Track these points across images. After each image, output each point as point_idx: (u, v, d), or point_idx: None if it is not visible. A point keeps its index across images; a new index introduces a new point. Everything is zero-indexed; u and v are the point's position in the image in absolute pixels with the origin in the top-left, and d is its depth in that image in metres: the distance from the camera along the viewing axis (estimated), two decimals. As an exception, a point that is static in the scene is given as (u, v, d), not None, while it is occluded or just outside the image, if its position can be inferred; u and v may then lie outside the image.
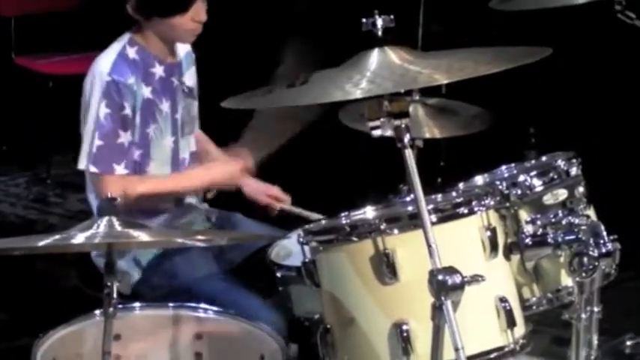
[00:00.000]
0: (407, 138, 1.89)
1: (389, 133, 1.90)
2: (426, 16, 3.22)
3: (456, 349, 1.81)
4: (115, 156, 2.68)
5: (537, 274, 2.32)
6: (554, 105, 4.13)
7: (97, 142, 2.66)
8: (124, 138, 2.69)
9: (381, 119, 1.89)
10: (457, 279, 1.84)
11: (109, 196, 2.57)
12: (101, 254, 2.69)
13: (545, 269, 2.33)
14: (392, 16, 1.92)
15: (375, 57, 1.95)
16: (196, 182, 2.84)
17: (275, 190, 3.02)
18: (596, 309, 2.27)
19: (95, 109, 2.66)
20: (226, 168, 2.85)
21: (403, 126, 1.89)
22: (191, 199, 2.90)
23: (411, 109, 3.05)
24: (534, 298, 2.33)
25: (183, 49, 2.88)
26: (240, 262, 2.89)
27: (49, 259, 3.81)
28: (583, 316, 2.24)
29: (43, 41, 4.83)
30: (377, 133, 1.90)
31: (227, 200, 3.00)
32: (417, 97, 3.12)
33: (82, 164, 2.70)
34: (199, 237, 2.26)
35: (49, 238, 1.89)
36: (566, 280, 2.32)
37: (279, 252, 2.67)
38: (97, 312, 2.33)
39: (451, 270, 1.86)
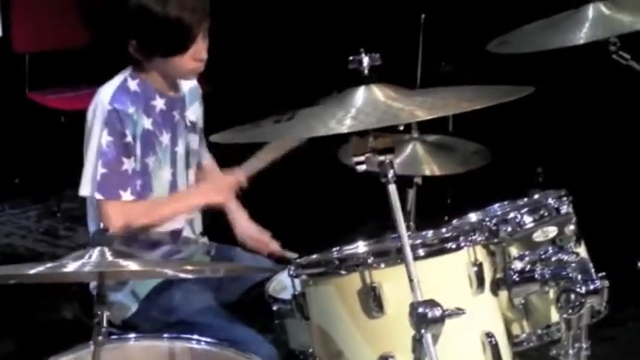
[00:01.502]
0: (391, 173, 1.92)
1: (374, 168, 1.93)
2: (425, 56, 3.27)
3: (436, 382, 1.83)
4: (120, 183, 2.71)
5: (527, 310, 2.34)
6: (558, 144, 4.16)
7: (101, 170, 2.69)
8: (128, 165, 2.72)
9: (366, 155, 1.92)
10: (437, 312, 1.87)
11: (113, 223, 2.67)
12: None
13: (534, 305, 2.34)
14: (378, 55, 1.96)
15: (360, 94, 1.99)
16: (192, 202, 2.86)
17: (263, 237, 3.03)
18: (584, 345, 2.28)
19: (97, 137, 2.70)
20: (217, 185, 2.87)
21: (387, 161, 1.92)
22: (189, 234, 2.93)
23: (410, 146, 3.17)
24: (524, 334, 2.34)
25: (188, 84, 2.93)
26: (238, 296, 2.92)
27: (51, 290, 3.88)
28: (570, 352, 2.25)
29: (55, 77, 4.91)
30: (362, 168, 1.94)
31: (225, 234, 3.04)
32: (416, 135, 3.16)
33: (86, 191, 2.72)
34: (189, 267, 2.29)
35: (41, 267, 1.92)
36: (556, 317, 2.32)
37: (275, 286, 2.70)
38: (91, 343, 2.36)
39: (432, 303, 1.89)
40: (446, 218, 3.60)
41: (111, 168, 2.70)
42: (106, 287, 2.05)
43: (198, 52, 2.75)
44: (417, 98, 2.01)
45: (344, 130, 1.86)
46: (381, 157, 1.92)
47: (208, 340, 2.50)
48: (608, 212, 3.93)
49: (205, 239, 3.01)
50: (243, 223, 3.05)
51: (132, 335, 2.56)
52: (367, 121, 1.89)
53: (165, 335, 2.53)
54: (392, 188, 1.92)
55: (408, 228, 2.48)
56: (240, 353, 2.46)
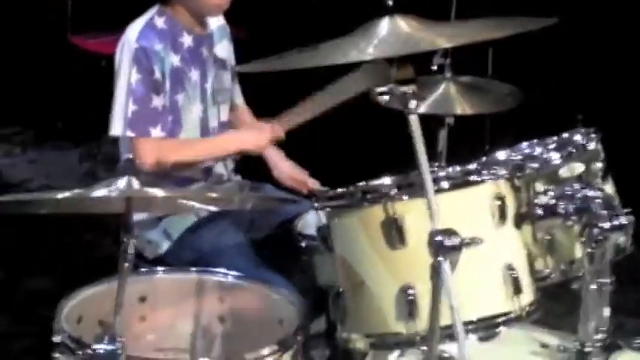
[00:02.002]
0: (412, 104, 1.93)
1: (396, 100, 1.94)
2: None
3: (451, 308, 1.86)
4: (150, 119, 2.74)
5: (551, 245, 2.33)
6: (596, 87, 4.13)
7: (132, 107, 2.72)
8: (157, 102, 2.76)
9: (388, 86, 1.93)
10: (455, 240, 1.89)
11: (145, 160, 2.70)
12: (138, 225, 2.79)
13: (559, 241, 2.34)
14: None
15: (384, 25, 2.00)
16: (228, 148, 2.88)
17: (303, 176, 3.05)
18: (607, 281, 2.29)
19: (126, 75, 2.73)
20: (256, 134, 2.88)
21: (410, 92, 1.93)
22: (221, 171, 2.96)
23: (442, 86, 3.17)
24: (548, 269, 2.34)
25: (216, 22, 2.94)
26: (267, 232, 2.96)
27: (94, 228, 3.97)
28: (592, 287, 2.26)
29: (97, 22, 4.95)
30: (383, 99, 1.95)
31: (258, 172, 3.06)
32: (449, 75, 3.16)
33: (118, 130, 2.76)
34: (216, 197, 2.32)
35: (68, 192, 1.96)
36: (580, 253, 2.33)
37: (304, 223, 2.73)
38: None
39: (450, 232, 1.90)
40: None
41: (141, 105, 2.73)
42: (132, 217, 2.07)
43: None
44: (439, 29, 2.01)
45: (364, 58, 1.87)
46: (404, 88, 1.93)
47: (235, 273, 2.55)
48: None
49: (238, 177, 3.05)
50: (280, 163, 3.07)
51: (160, 268, 2.62)
52: (388, 50, 1.90)
53: (194, 268, 2.58)
54: (413, 118, 1.93)
55: (438, 165, 2.50)
56: (267, 287, 2.51)
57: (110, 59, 4.45)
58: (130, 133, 2.74)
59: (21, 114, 5.23)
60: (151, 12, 2.82)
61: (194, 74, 2.84)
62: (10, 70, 5.02)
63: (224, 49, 2.96)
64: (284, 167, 3.07)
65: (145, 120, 2.74)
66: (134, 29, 2.78)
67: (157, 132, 2.75)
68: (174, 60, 2.79)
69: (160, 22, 2.80)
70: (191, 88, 2.84)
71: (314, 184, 3.03)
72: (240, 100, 3.11)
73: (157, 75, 2.75)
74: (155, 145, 2.75)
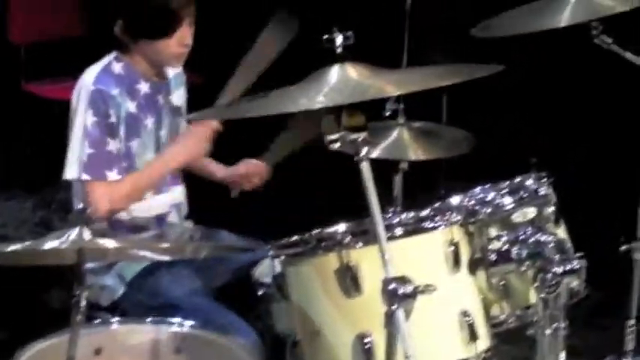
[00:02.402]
0: (363, 152, 1.94)
1: (347, 147, 1.95)
2: (411, 40, 3.30)
3: (406, 357, 1.85)
4: (106, 163, 2.72)
5: (506, 291, 2.36)
6: (546, 131, 4.19)
7: (88, 151, 2.70)
8: (113, 146, 2.74)
9: (339, 133, 1.94)
10: (409, 288, 1.89)
11: (99, 205, 2.68)
12: (91, 272, 2.76)
13: (514, 287, 2.36)
14: (351, 33, 1.98)
15: (334, 73, 2.01)
16: (175, 161, 2.84)
17: (252, 163, 3.02)
18: (562, 325, 2.30)
19: (82, 118, 2.72)
20: (195, 137, 2.83)
21: (360, 139, 1.94)
22: (174, 218, 2.94)
23: (396, 132, 3.19)
24: (503, 315, 2.36)
25: (173, 69, 2.95)
26: (224, 280, 2.94)
27: (40, 279, 3.91)
28: (547, 331, 2.27)
29: (51, 68, 4.93)
30: (335, 146, 1.95)
31: (211, 218, 3.05)
32: (402, 121, 3.18)
33: (73, 173, 2.73)
34: (168, 247, 2.31)
35: (19, 245, 1.94)
36: (535, 298, 2.35)
37: (262, 271, 2.72)
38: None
39: (403, 279, 1.90)
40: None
41: (97, 148, 2.71)
42: (85, 267, 2.05)
43: (183, 38, 2.78)
44: (389, 76, 2.03)
45: (313, 106, 1.88)
46: (354, 136, 1.93)
47: (191, 323, 2.52)
48: (596, 196, 3.95)
49: (191, 223, 3.03)
50: (215, 166, 3.05)
51: (115, 319, 2.58)
52: (337, 98, 1.91)
53: (149, 319, 2.55)
54: (365, 166, 1.94)
55: (394, 210, 2.51)
56: (224, 336, 2.48)
57: (63, 105, 4.44)
58: (85, 177, 2.72)
59: (-27, 162, 5.17)
60: (109, 58, 2.82)
61: (149, 121, 2.84)
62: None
63: (180, 96, 2.97)
64: (226, 168, 3.05)
65: (101, 163, 2.72)
66: (91, 73, 2.77)
67: (113, 175, 2.73)
68: (130, 106, 2.79)
69: (117, 68, 2.80)
70: (146, 135, 2.83)
71: (258, 163, 3.01)
72: None
73: (113, 119, 2.74)
74: (108, 188, 2.73)
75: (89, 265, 2.71)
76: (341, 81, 1.98)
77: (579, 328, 3.62)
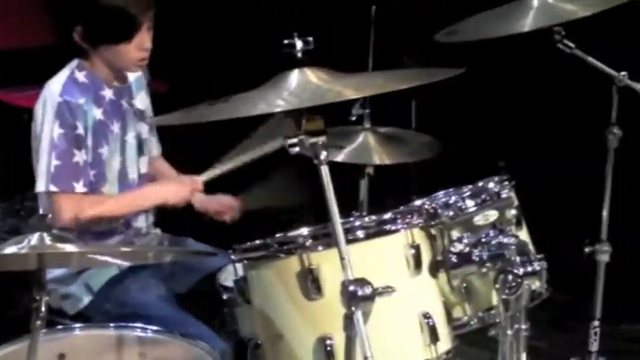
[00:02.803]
0: (323, 155, 1.95)
1: (306, 151, 1.96)
2: (376, 46, 3.32)
3: (365, 358, 1.86)
4: (73, 174, 2.72)
5: (468, 293, 2.37)
6: (511, 134, 4.22)
7: (55, 162, 2.70)
8: (79, 157, 2.74)
9: (299, 137, 1.95)
10: (367, 290, 1.90)
11: (64, 215, 2.67)
12: (55, 281, 2.76)
13: (476, 288, 2.37)
14: (311, 39, 2.00)
15: (294, 77, 2.02)
16: (150, 200, 2.87)
17: (226, 199, 3.03)
18: (523, 327, 2.31)
19: (49, 130, 2.71)
20: (176, 187, 2.87)
21: (320, 143, 1.95)
22: (141, 224, 2.94)
23: (361, 136, 3.21)
24: (465, 317, 2.37)
25: (133, 74, 2.95)
26: (189, 287, 2.94)
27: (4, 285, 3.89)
28: (509, 332, 2.28)
29: (19, 76, 4.91)
30: (294, 150, 1.96)
31: (178, 225, 3.05)
32: (368, 126, 3.20)
33: (42, 186, 2.73)
34: (129, 251, 2.30)
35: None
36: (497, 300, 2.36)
37: (227, 275, 2.72)
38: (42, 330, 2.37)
39: (362, 281, 1.91)
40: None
41: (64, 160, 2.71)
42: (45, 272, 2.05)
43: (142, 42, 2.78)
44: (348, 80, 2.04)
45: (273, 110, 1.89)
46: (313, 139, 1.95)
47: (155, 328, 2.52)
48: (560, 199, 3.99)
49: (158, 230, 3.03)
50: (199, 197, 3.02)
51: (78, 325, 2.57)
52: (295, 102, 1.92)
53: (112, 324, 2.55)
54: (324, 170, 1.95)
55: (358, 215, 2.52)
56: (188, 341, 2.48)
57: (31, 113, 4.40)
58: (53, 188, 2.72)
59: (-60, 170, 5.14)
60: (71, 66, 2.82)
61: (115, 127, 2.84)
62: None
63: (142, 100, 2.97)
64: (204, 199, 3.03)
65: (68, 175, 2.72)
66: (56, 83, 2.77)
67: (79, 187, 2.73)
68: (97, 113, 2.79)
69: (80, 76, 2.80)
70: (113, 140, 2.83)
71: (230, 200, 3.01)
72: (157, 151, 3.11)
73: (80, 130, 2.74)
74: (75, 200, 2.73)
75: (55, 274, 2.76)
76: (300, 85, 1.99)
77: (544, 330, 3.68)
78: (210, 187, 2.95)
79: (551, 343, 3.71)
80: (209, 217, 3.04)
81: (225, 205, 3.03)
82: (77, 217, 2.71)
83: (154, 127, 3.02)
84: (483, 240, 2.35)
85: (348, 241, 2.02)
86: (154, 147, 3.09)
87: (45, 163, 2.72)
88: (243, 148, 2.85)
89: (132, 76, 2.93)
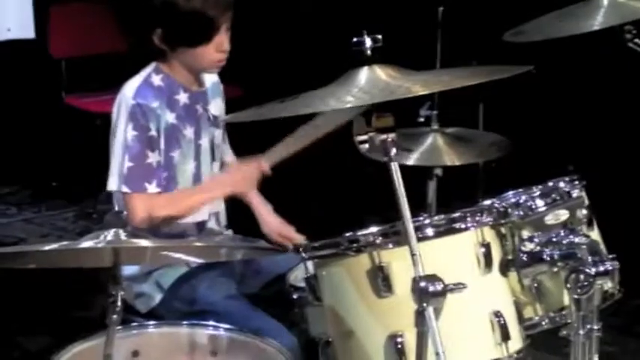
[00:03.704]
0: (393, 152, 1.96)
1: (376, 148, 1.97)
2: (444, 47, 3.32)
3: (437, 354, 1.86)
4: (146, 175, 2.76)
5: (540, 293, 2.35)
6: (581, 136, 4.18)
7: (127, 164, 2.74)
8: (152, 158, 2.77)
9: (368, 134, 1.96)
10: (438, 286, 1.90)
11: (138, 216, 2.71)
12: (128, 280, 2.80)
13: (547, 288, 2.35)
14: (379, 36, 2.01)
15: (363, 74, 2.04)
16: (218, 192, 2.87)
17: (288, 232, 3.05)
18: (595, 327, 2.29)
19: (122, 132, 2.76)
20: (242, 174, 2.86)
21: (389, 140, 1.96)
22: (213, 226, 2.98)
23: (430, 138, 3.22)
24: (537, 317, 2.35)
25: (210, 79, 2.98)
26: (259, 289, 2.96)
27: (83, 285, 3.97)
28: (580, 332, 2.26)
29: (91, 81, 5.02)
30: (364, 147, 1.98)
31: (250, 227, 3.08)
32: (436, 127, 3.20)
33: (113, 185, 2.77)
34: (203, 247, 2.33)
35: (56, 244, 1.98)
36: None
37: (297, 276, 2.74)
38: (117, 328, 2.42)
39: (433, 278, 1.92)
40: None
41: (137, 161, 2.75)
42: (120, 268, 2.09)
43: (221, 44, 2.80)
44: (416, 77, 2.05)
45: (342, 106, 1.91)
46: (383, 136, 1.96)
47: (227, 326, 2.55)
48: (632, 200, 3.93)
49: (230, 232, 3.06)
50: (267, 218, 3.08)
51: (151, 322, 2.62)
52: (365, 98, 1.93)
53: (185, 322, 2.59)
54: (394, 166, 1.96)
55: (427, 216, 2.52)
56: (259, 339, 2.50)
57: (104, 118, 4.50)
58: (125, 189, 2.76)
59: (17, 174, 5.27)
60: (148, 69, 2.85)
61: (189, 131, 2.87)
62: (5, 130, 5.07)
63: (217, 106, 2.99)
64: (272, 223, 3.07)
65: (141, 176, 2.76)
66: (131, 86, 2.80)
67: (152, 188, 2.77)
68: (170, 117, 2.82)
69: (156, 80, 2.83)
70: (186, 145, 2.86)
71: (300, 239, 3.02)
72: (229, 157, 3.13)
73: (153, 132, 2.77)
74: (147, 200, 2.77)
75: (127, 272, 2.80)
76: (369, 82, 2.01)
77: (615, 335, 3.63)
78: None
79: (623, 349, 3.67)
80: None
81: (286, 239, 3.02)
82: (150, 217, 2.75)
83: (226, 133, 3.05)
84: (554, 239, 2.33)
85: (418, 239, 2.03)
86: (227, 153, 3.11)
87: (118, 163, 2.77)
88: (306, 128, 2.77)
89: (208, 82, 2.96)
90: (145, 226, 2.74)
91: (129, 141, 2.75)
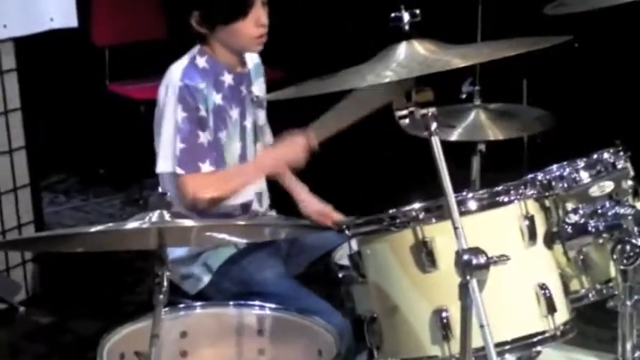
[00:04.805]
0: (433, 126, 1.96)
1: (417, 123, 1.97)
2: (484, 21, 3.30)
3: (481, 326, 1.86)
4: (199, 155, 2.77)
5: (586, 265, 2.33)
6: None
7: (180, 146, 2.75)
8: (204, 138, 2.78)
9: (409, 109, 1.96)
10: (482, 259, 1.90)
11: (193, 196, 2.70)
12: (175, 262, 2.83)
13: (593, 260, 2.33)
14: (417, 11, 2.01)
15: (402, 49, 2.04)
16: (267, 166, 2.89)
17: (328, 210, 3.05)
18: (643, 298, 2.27)
19: (172, 114, 2.76)
20: (291, 148, 2.84)
21: (430, 114, 1.96)
22: (257, 207, 2.99)
23: (472, 114, 3.20)
24: (583, 290, 2.33)
25: (252, 60, 2.99)
26: (305, 267, 2.98)
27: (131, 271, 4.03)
28: (628, 303, 2.24)
29: (134, 69, 5.05)
30: (405, 122, 1.98)
31: (293, 208, 3.09)
32: (478, 103, 3.18)
33: (165, 167, 2.77)
34: (247, 225, 2.35)
35: (102, 226, 2.01)
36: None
37: (342, 254, 2.75)
38: (164, 310, 2.45)
39: (476, 250, 1.91)
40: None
41: (188, 142, 2.76)
42: (165, 249, 2.11)
43: (258, 18, 2.81)
44: (456, 51, 2.05)
45: (381, 81, 1.91)
46: (423, 111, 1.96)
47: (273, 306, 2.58)
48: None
49: (273, 212, 3.08)
50: (305, 198, 3.09)
51: (199, 303, 2.65)
52: (403, 73, 1.93)
53: (232, 303, 2.61)
54: (435, 140, 1.96)
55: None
56: (306, 318, 2.53)
57: (148, 104, 4.53)
58: (179, 171, 2.76)
59: (64, 162, 5.33)
60: (193, 52, 2.87)
61: (234, 112, 2.88)
62: (52, 119, 5.12)
63: (259, 87, 3.00)
64: (310, 202, 3.09)
65: (194, 156, 2.77)
66: (177, 69, 2.82)
67: (206, 167, 2.78)
68: (217, 98, 2.83)
69: (201, 62, 2.85)
70: (232, 125, 2.87)
71: (340, 217, 3.02)
72: (270, 138, 3.14)
73: (202, 112, 2.78)
74: (200, 180, 2.77)
75: (175, 255, 2.83)
76: (408, 56, 2.01)
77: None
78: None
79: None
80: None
81: (324, 217, 3.02)
82: (203, 197, 2.74)
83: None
84: (599, 211, 2.31)
85: (461, 213, 2.02)
86: (268, 134, 3.12)
87: (170, 145, 2.77)
88: (347, 102, 2.75)
89: (250, 63, 2.98)
90: (199, 206, 2.75)
91: (179, 122, 2.76)
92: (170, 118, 2.77)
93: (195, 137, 2.77)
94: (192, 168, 2.77)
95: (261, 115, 3.02)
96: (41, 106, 4.87)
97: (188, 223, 2.04)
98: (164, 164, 2.79)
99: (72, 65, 5.14)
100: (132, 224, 2.00)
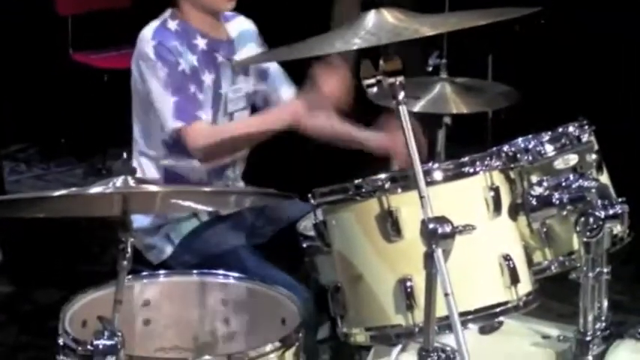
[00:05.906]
0: (401, 95, 1.96)
1: (384, 91, 1.96)
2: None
3: (446, 295, 1.87)
4: (193, 105, 2.72)
5: (549, 237, 2.34)
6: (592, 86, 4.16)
7: (173, 99, 2.70)
8: (193, 89, 2.74)
9: (376, 77, 1.96)
10: (447, 228, 1.90)
11: (200, 144, 2.65)
12: (138, 231, 2.80)
13: (557, 233, 2.35)
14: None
15: (370, 18, 2.03)
16: (270, 123, 2.79)
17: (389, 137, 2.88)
18: (605, 270, 2.29)
19: (154, 74, 2.70)
20: (295, 104, 2.77)
21: (397, 83, 1.96)
22: (230, 174, 2.93)
23: (438, 86, 3.20)
24: (546, 262, 2.35)
25: (238, 27, 2.93)
26: (269, 237, 2.97)
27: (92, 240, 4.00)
28: (590, 275, 2.26)
29: (98, 38, 5.01)
30: (372, 91, 1.97)
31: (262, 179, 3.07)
32: (445, 76, 3.19)
33: (170, 124, 2.71)
34: (211, 192, 2.33)
35: (66, 190, 1.98)
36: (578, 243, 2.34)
37: (307, 225, 2.74)
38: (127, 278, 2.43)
39: (442, 219, 1.92)
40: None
41: (180, 94, 2.70)
42: (129, 216, 2.09)
43: None
44: (424, 19, 2.05)
45: (349, 48, 1.90)
46: (391, 79, 1.95)
47: (237, 275, 2.57)
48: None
49: (241, 183, 3.04)
50: (364, 135, 2.92)
51: (162, 272, 2.63)
52: (372, 40, 1.93)
53: (195, 271, 2.60)
54: (402, 109, 1.95)
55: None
56: (270, 288, 2.52)
57: (111, 74, 4.49)
58: (178, 124, 2.70)
59: (25, 131, 5.28)
60: (164, 16, 2.82)
61: (207, 78, 2.82)
62: (13, 87, 5.07)
63: (250, 53, 2.89)
64: (371, 137, 2.92)
65: (190, 106, 2.72)
66: (148, 31, 2.76)
67: (204, 115, 2.74)
68: (192, 59, 2.78)
69: (173, 25, 2.79)
70: (204, 91, 2.81)
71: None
72: (287, 94, 2.94)
73: (182, 66, 2.73)
74: (205, 127, 2.72)
75: (138, 224, 2.80)
76: (377, 24, 2.00)
77: (626, 284, 3.63)
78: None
79: (633, 296, 3.67)
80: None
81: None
82: (211, 144, 2.71)
83: (281, 74, 2.92)
84: (564, 183, 2.32)
85: (427, 184, 2.02)
86: (284, 92, 2.96)
87: (162, 104, 2.70)
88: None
89: (235, 31, 2.92)
90: (207, 151, 2.71)
91: (164, 79, 2.70)
92: (154, 79, 2.71)
93: (187, 89, 2.71)
94: (191, 117, 2.71)
95: (248, 82, 2.90)
96: (3, 74, 4.82)
97: (152, 188, 2.03)
98: (167, 123, 2.71)
99: (35, 34, 5.08)
100: (95, 189, 1.98)
